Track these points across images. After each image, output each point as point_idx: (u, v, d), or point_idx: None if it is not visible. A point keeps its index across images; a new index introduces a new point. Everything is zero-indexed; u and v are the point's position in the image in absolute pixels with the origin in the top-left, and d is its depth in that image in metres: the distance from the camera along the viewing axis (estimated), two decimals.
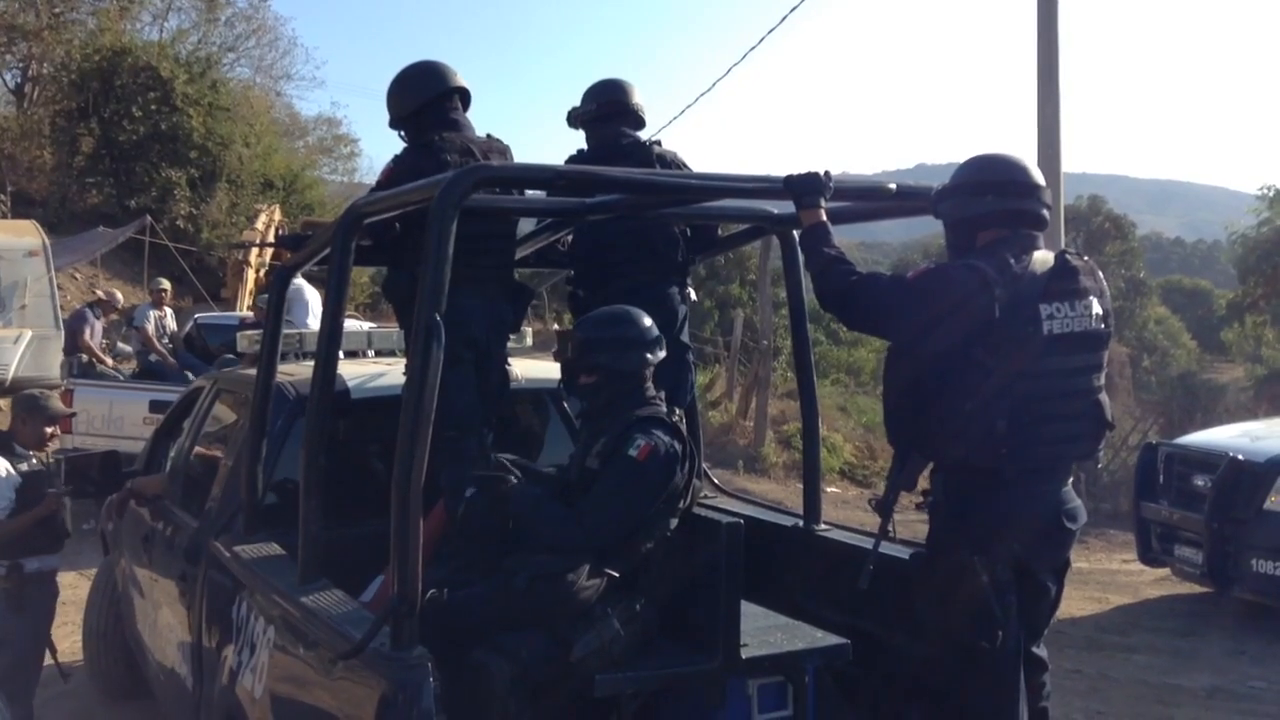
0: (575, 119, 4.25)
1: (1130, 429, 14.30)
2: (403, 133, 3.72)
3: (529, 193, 3.62)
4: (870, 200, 3.42)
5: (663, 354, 3.28)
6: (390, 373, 3.86)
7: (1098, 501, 12.34)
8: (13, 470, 4.32)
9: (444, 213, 2.49)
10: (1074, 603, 7.81)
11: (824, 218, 2.94)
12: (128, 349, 11.72)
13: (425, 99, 3.64)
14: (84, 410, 8.60)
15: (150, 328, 10.67)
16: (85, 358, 10.36)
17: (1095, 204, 30.86)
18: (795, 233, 3.82)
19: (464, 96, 3.73)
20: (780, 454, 14.09)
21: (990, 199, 2.89)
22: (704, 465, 4.02)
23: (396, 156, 3.58)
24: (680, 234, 4.17)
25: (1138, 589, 8.43)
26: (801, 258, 3.17)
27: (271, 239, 15.88)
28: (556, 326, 22.03)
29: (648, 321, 3.26)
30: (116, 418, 8.96)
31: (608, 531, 2.99)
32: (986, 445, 2.78)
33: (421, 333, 2.44)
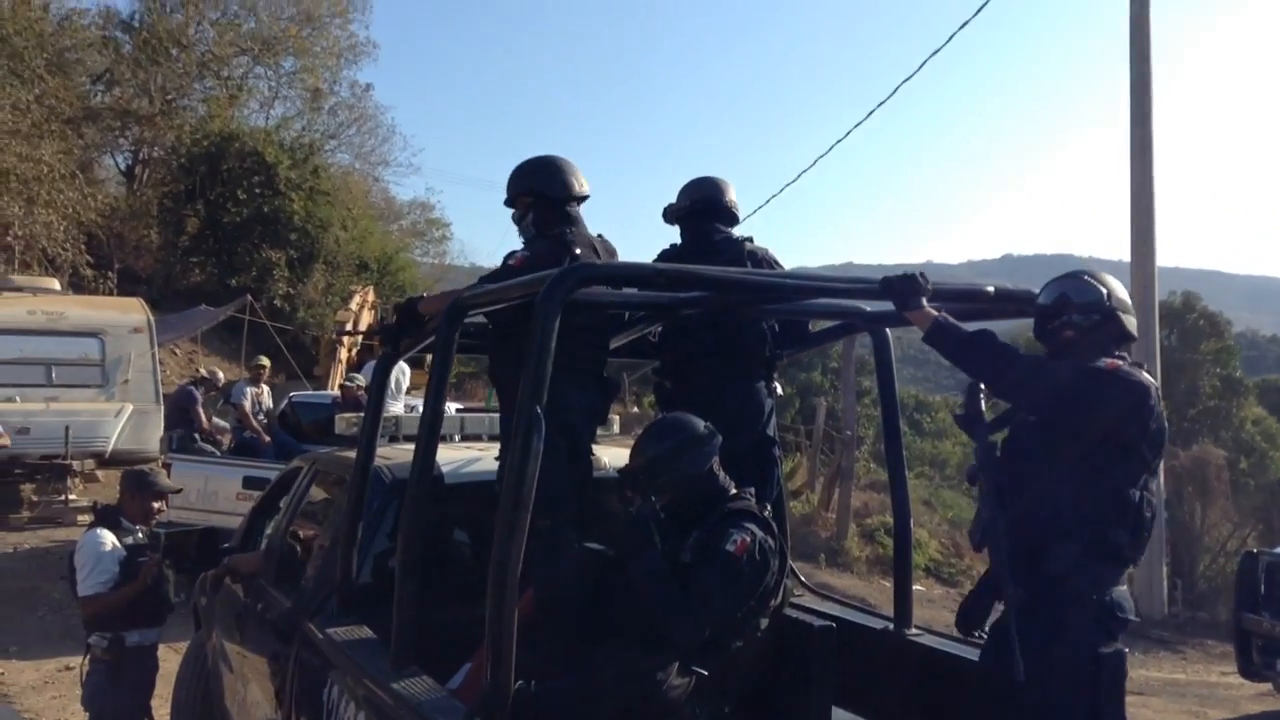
0: (670, 214, 4.33)
1: (1229, 535, 13.74)
2: (518, 210, 3.78)
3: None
4: (968, 303, 3.40)
5: (719, 440, 3.27)
6: (483, 458, 3.91)
7: (1194, 610, 11.87)
8: (118, 544, 4.46)
9: (549, 308, 2.54)
10: (1171, 716, 7.50)
11: (935, 313, 3.01)
12: (224, 424, 12.07)
13: (561, 195, 3.72)
14: (180, 484, 8.82)
15: (247, 404, 11.00)
16: (183, 432, 10.66)
17: (1190, 300, 30.09)
18: (888, 330, 3.83)
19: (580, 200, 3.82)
20: (863, 548, 13.81)
21: (1128, 319, 3.12)
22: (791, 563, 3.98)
23: (531, 247, 3.63)
24: (769, 329, 4.18)
25: (1237, 703, 8.09)
26: (942, 355, 3.18)
27: (365, 319, 16.36)
28: (636, 410, 22.11)
29: (693, 419, 3.28)
30: (211, 493, 9.18)
31: (710, 626, 2.95)
32: (1139, 531, 2.94)
33: (523, 424, 2.48)
